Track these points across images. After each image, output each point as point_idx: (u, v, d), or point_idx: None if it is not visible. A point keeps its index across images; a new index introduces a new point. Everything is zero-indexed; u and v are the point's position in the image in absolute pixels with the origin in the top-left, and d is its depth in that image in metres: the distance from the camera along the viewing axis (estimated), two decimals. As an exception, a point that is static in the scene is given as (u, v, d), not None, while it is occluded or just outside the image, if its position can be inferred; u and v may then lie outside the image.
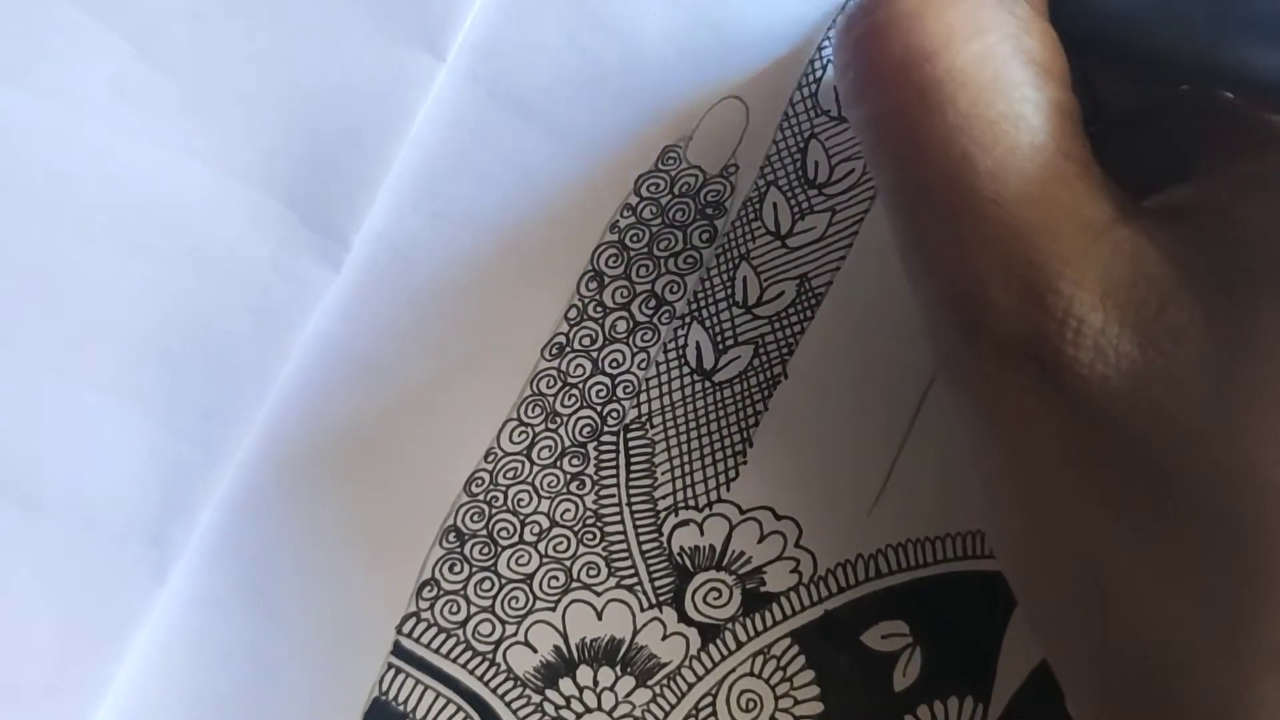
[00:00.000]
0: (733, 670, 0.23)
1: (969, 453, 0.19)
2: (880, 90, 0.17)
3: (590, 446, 0.23)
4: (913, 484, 0.23)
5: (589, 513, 0.23)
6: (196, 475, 0.22)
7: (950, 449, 0.23)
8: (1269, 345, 0.15)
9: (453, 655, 0.22)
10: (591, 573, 0.23)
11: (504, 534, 0.23)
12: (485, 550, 0.23)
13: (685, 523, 0.23)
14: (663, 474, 0.23)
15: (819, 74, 0.23)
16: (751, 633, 0.23)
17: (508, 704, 0.22)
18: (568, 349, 0.23)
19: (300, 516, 0.22)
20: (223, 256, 0.22)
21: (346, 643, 0.22)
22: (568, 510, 0.23)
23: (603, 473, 0.23)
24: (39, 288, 0.22)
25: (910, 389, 0.23)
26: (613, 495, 0.23)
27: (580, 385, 0.23)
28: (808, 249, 0.23)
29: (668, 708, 0.22)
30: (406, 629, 0.22)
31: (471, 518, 0.23)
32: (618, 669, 0.22)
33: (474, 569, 0.22)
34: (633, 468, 0.23)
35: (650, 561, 0.23)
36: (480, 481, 0.23)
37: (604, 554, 0.23)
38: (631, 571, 0.23)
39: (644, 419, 0.23)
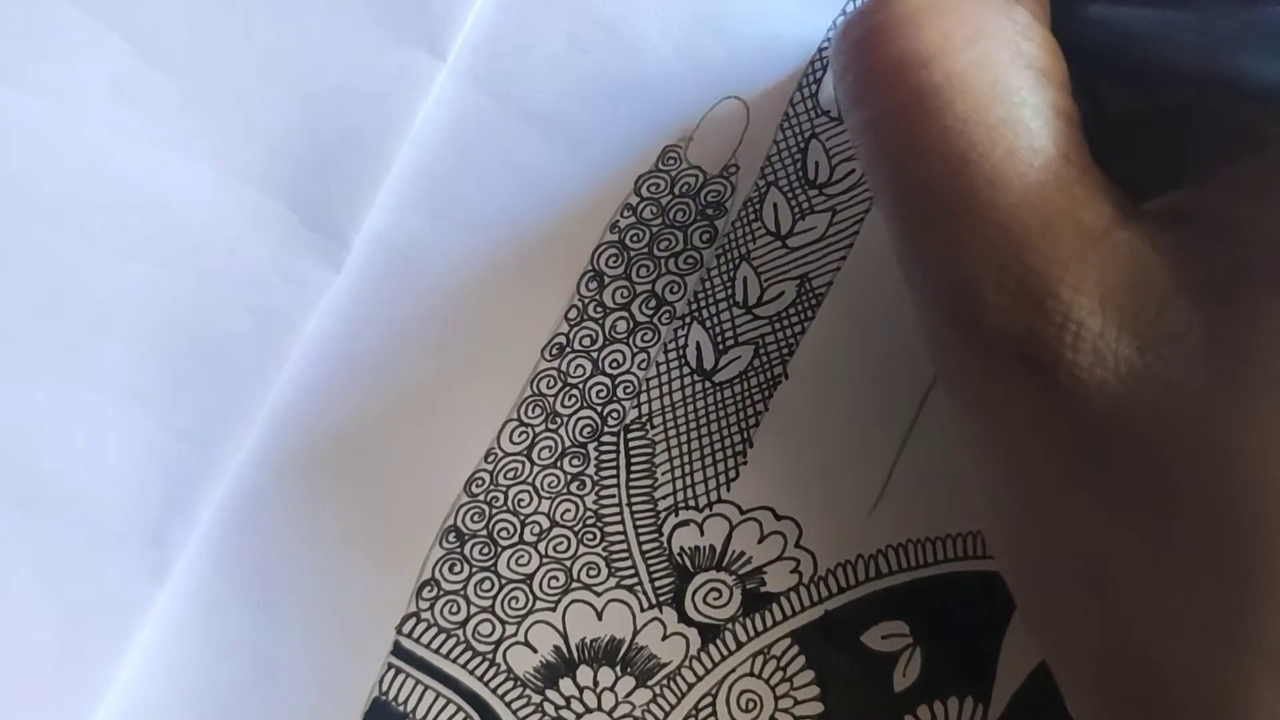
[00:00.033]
0: (733, 670, 0.23)
1: (967, 454, 0.19)
2: (878, 94, 0.17)
3: (590, 447, 0.23)
4: (913, 484, 0.23)
5: (589, 513, 0.23)
6: (196, 475, 0.22)
7: (950, 449, 0.23)
8: (1268, 349, 0.15)
9: (453, 655, 0.22)
10: (592, 573, 0.23)
11: (504, 534, 0.23)
12: (485, 550, 0.23)
13: (685, 523, 0.23)
14: (663, 474, 0.23)
15: (819, 74, 0.23)
16: (751, 633, 0.23)
17: (508, 704, 0.22)
18: (568, 349, 0.23)
19: (300, 516, 0.22)
20: (223, 256, 0.22)
21: (346, 643, 0.22)
22: (568, 510, 0.23)
23: (603, 473, 0.23)
24: (39, 288, 0.22)
25: (911, 389, 0.23)
26: (613, 495, 0.23)
27: (580, 385, 0.23)
28: (808, 249, 0.23)
29: (668, 708, 0.22)
30: (406, 629, 0.22)
31: (472, 518, 0.23)
32: (618, 669, 0.22)
33: (474, 569, 0.22)
34: (633, 468, 0.23)
35: (650, 562, 0.23)
36: (480, 482, 0.23)
37: (604, 554, 0.23)
38: (632, 572, 0.23)
39: (644, 419, 0.23)
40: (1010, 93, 0.17)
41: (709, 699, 0.22)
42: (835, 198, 0.23)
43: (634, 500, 0.23)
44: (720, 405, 0.23)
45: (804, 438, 0.23)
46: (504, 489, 0.23)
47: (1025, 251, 0.16)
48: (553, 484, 0.23)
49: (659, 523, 0.23)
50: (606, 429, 0.23)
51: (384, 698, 0.22)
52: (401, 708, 0.22)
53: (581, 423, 0.23)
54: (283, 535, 0.22)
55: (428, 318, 0.22)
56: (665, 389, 0.23)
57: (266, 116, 0.22)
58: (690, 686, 0.22)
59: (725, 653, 0.23)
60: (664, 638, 0.22)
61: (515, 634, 0.22)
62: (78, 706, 0.22)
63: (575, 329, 0.23)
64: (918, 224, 0.17)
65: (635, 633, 0.23)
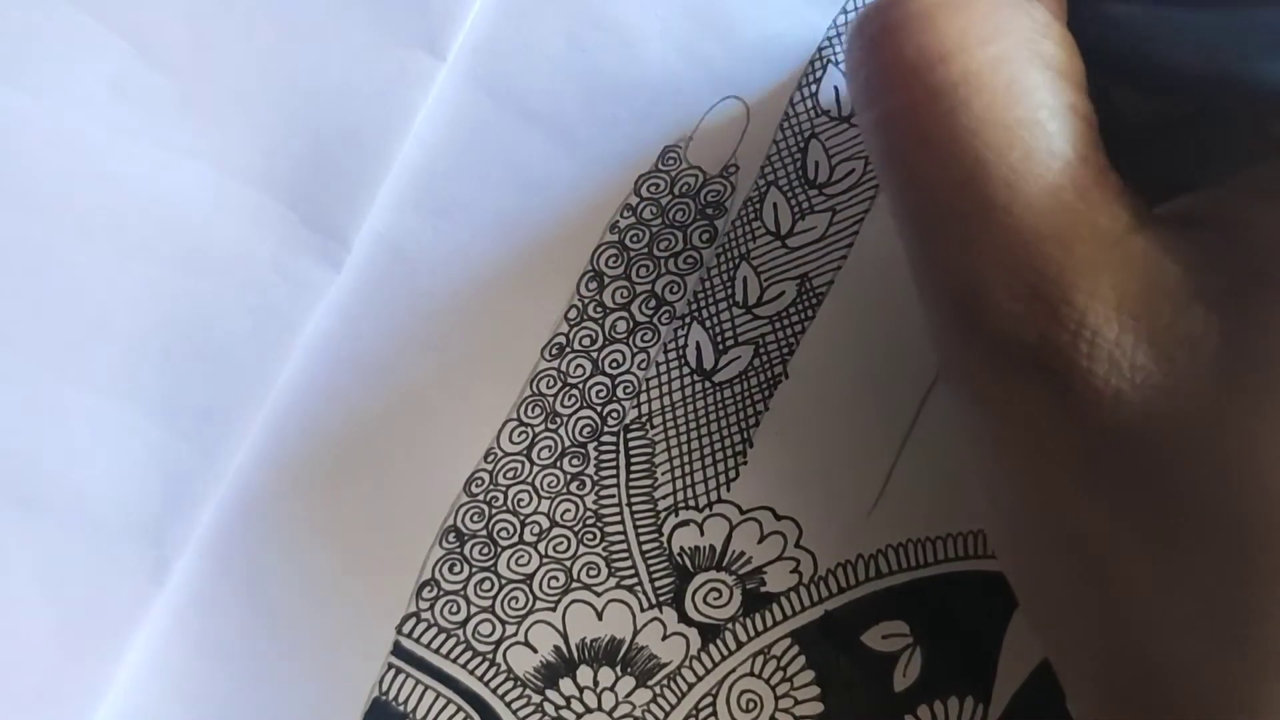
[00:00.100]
0: (733, 670, 0.22)
1: (970, 455, 0.19)
2: (892, 92, 0.17)
3: (590, 447, 0.23)
4: (913, 484, 0.23)
5: (589, 513, 0.23)
6: (196, 475, 0.22)
7: (951, 449, 0.23)
8: None
9: (453, 655, 0.22)
10: (591, 573, 0.23)
11: (504, 534, 0.23)
12: (485, 550, 0.23)
13: (685, 523, 0.23)
14: (663, 474, 0.23)
15: (819, 74, 0.23)
16: (752, 633, 0.23)
17: (508, 704, 0.22)
18: (568, 349, 0.23)
19: (300, 516, 0.22)
20: (223, 256, 0.22)
21: (346, 643, 0.22)
22: (568, 510, 0.23)
23: (603, 473, 0.23)
24: (39, 288, 0.22)
25: (911, 389, 0.23)
26: (613, 495, 0.23)
27: (580, 385, 0.23)
28: (808, 249, 0.23)
29: (668, 708, 0.22)
30: (406, 629, 0.22)
31: (471, 518, 0.23)
32: (618, 669, 0.22)
33: (474, 569, 0.22)
34: (633, 468, 0.23)
35: (650, 562, 0.23)
36: (480, 482, 0.23)
37: (604, 554, 0.23)
38: (631, 572, 0.23)
39: (644, 419, 0.23)
40: (1028, 93, 0.16)
41: (709, 699, 0.22)
42: (835, 197, 0.23)
43: (634, 500, 0.23)
44: (720, 405, 0.23)
45: (804, 438, 0.23)
46: (504, 489, 0.23)
47: (1039, 256, 0.16)
48: (553, 484, 0.23)
49: (659, 523, 0.23)
50: (606, 429, 0.23)
51: (384, 698, 0.22)
52: (401, 708, 0.22)
53: (581, 423, 0.23)
54: (283, 535, 0.22)
55: (428, 318, 0.22)
56: (665, 389, 0.23)
57: (266, 116, 0.22)
58: (690, 686, 0.22)
59: (725, 653, 0.23)
60: (664, 638, 0.22)
61: (515, 634, 0.22)
62: (78, 706, 0.22)
63: (575, 329, 0.23)
64: (929, 225, 0.17)
65: (635, 633, 0.22)
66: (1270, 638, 0.15)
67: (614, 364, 0.23)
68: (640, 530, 0.23)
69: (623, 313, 0.23)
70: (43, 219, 0.22)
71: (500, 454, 0.23)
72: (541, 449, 0.23)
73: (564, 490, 0.23)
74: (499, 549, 0.23)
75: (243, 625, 0.22)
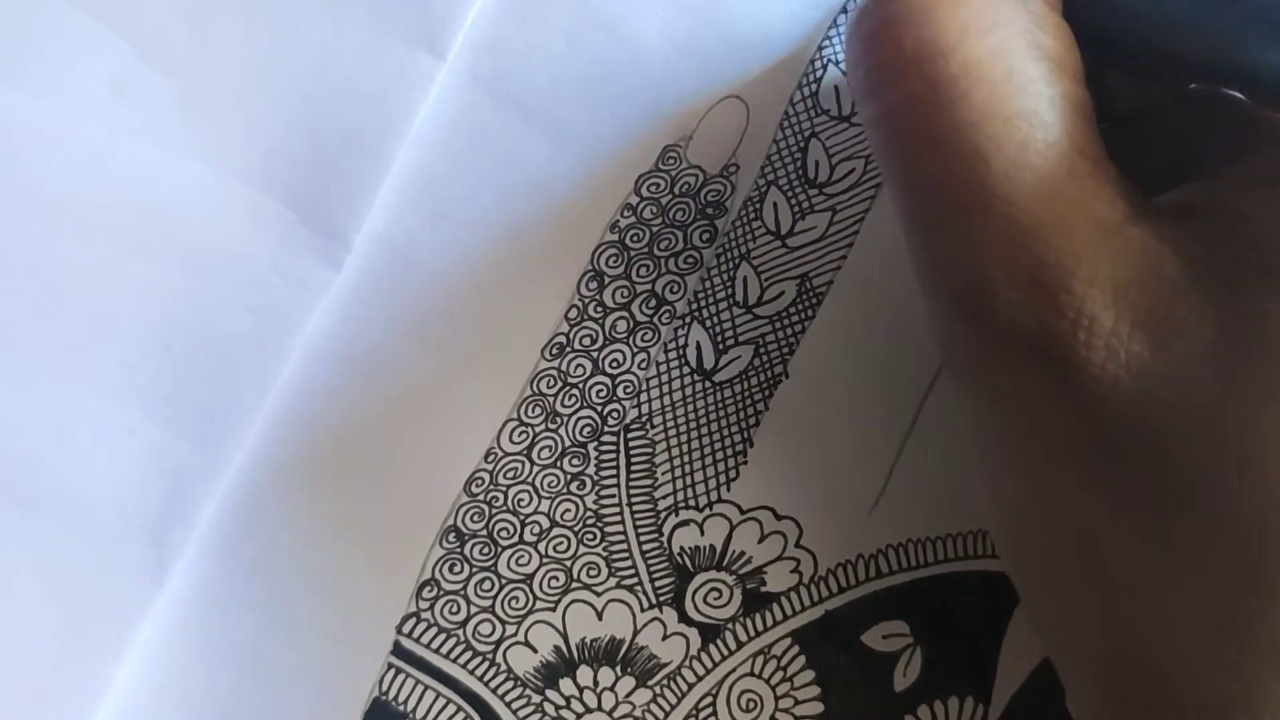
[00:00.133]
0: (733, 670, 0.22)
1: (972, 448, 0.19)
2: (892, 85, 0.17)
3: (590, 446, 0.23)
4: (913, 484, 0.23)
5: (589, 513, 0.23)
6: (196, 475, 0.22)
7: (951, 449, 0.23)
8: (1278, 345, 0.15)
9: (453, 655, 0.22)
10: (592, 573, 0.23)
11: (504, 534, 0.23)
12: (485, 550, 0.23)
13: (685, 523, 0.23)
14: (663, 474, 0.23)
15: (819, 74, 0.23)
16: (752, 633, 0.23)
17: (508, 704, 0.22)
18: (568, 349, 0.23)
19: (300, 516, 0.22)
20: (223, 256, 0.22)
21: (346, 643, 0.22)
22: (568, 510, 0.23)
23: (603, 473, 0.23)
24: (39, 288, 0.22)
25: (911, 389, 0.23)
26: (613, 495, 0.23)
27: (580, 385, 0.23)
28: (808, 249, 0.23)
29: (668, 708, 0.22)
30: (406, 629, 0.22)
31: (471, 518, 0.23)
32: (618, 669, 0.22)
33: (474, 569, 0.22)
34: (633, 468, 0.23)
35: (650, 561, 0.23)
36: (480, 481, 0.23)
37: (604, 554, 0.23)
38: (632, 571, 0.23)
39: (644, 419, 0.23)
40: (1026, 84, 0.17)
41: (709, 699, 0.22)
42: (835, 197, 0.23)
43: (634, 500, 0.23)
44: (720, 405, 0.23)
45: (804, 437, 0.23)
46: (504, 489, 0.23)
47: (1038, 245, 0.16)
48: (553, 484, 0.23)
49: (659, 522, 0.23)
50: (606, 429, 0.23)
51: (384, 698, 0.22)
52: (401, 708, 0.22)
53: (581, 422, 0.23)
54: (282, 535, 0.22)
55: (428, 318, 0.22)
56: (665, 389, 0.23)
57: (266, 116, 0.22)
58: (690, 686, 0.22)
59: (725, 653, 0.23)
60: (664, 638, 0.22)
61: (515, 634, 0.22)
62: (78, 706, 0.22)
63: (575, 329, 0.23)
64: (930, 216, 0.17)
65: (635, 633, 0.22)
66: (1269, 635, 0.15)
67: (614, 364, 0.23)
68: (640, 530, 0.23)
69: (623, 312, 0.23)
70: (43, 219, 0.22)
71: (500, 454, 0.23)
72: (542, 449, 0.23)
73: (564, 490, 0.23)
74: (499, 549, 0.23)
75: (243, 625, 0.22)
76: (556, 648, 0.22)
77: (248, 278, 0.22)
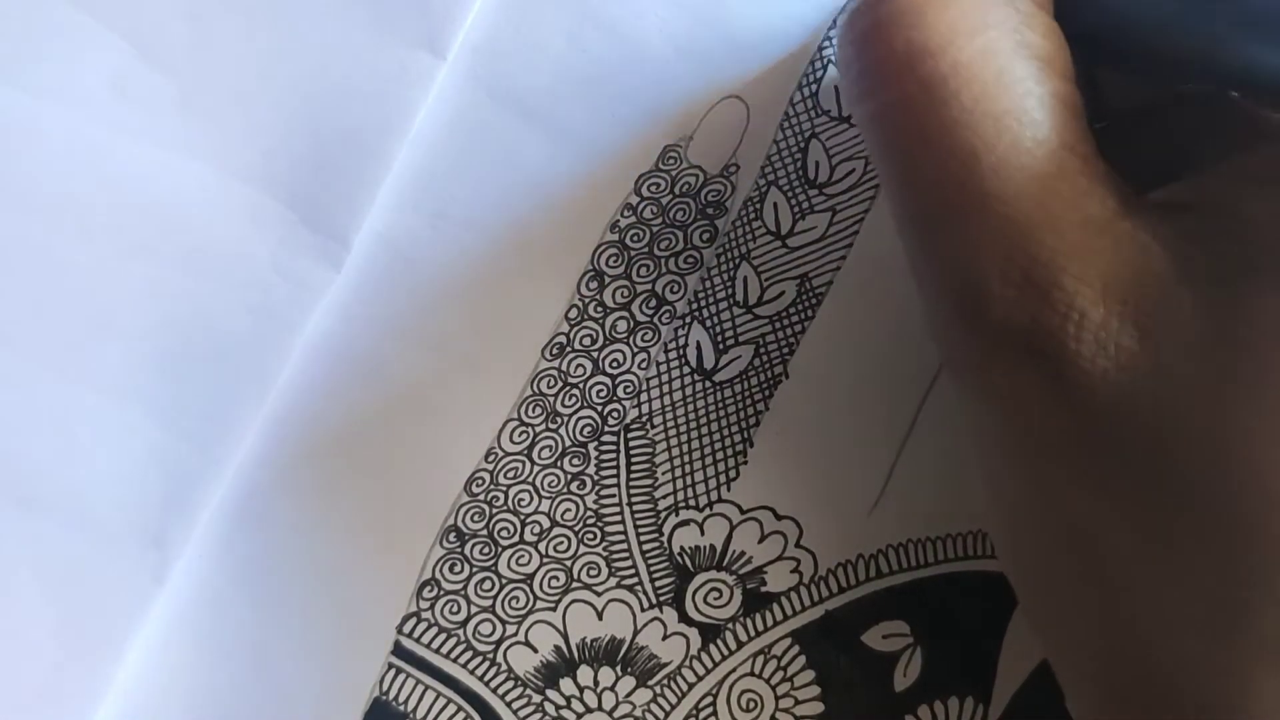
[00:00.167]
0: (733, 670, 0.22)
1: (972, 448, 0.19)
2: (884, 86, 0.17)
3: (591, 446, 0.23)
4: (913, 484, 0.23)
5: (589, 513, 0.23)
6: (196, 475, 0.22)
7: (951, 449, 0.23)
8: (1267, 341, 0.15)
9: (453, 655, 0.22)
10: (592, 573, 0.23)
11: (504, 534, 0.23)
12: (486, 550, 0.23)
13: (686, 523, 0.23)
14: (663, 474, 0.23)
15: (819, 74, 0.23)
16: (752, 633, 0.23)
17: (508, 704, 0.22)
18: (568, 349, 0.23)
19: (300, 516, 0.22)
20: (223, 256, 0.22)
21: (347, 643, 0.22)
22: (568, 510, 0.23)
23: (603, 473, 0.23)
24: (39, 288, 0.22)
25: (911, 389, 0.23)
26: (613, 495, 0.23)
27: (581, 385, 0.23)
28: (808, 249, 0.23)
29: (668, 708, 0.22)
30: (407, 629, 0.22)
31: (472, 518, 0.23)
32: (618, 669, 0.22)
33: (474, 569, 0.22)
34: (633, 468, 0.23)
35: (651, 561, 0.23)
36: (481, 481, 0.23)
37: (604, 554, 0.23)
38: (632, 571, 0.23)
39: (644, 419, 0.23)
40: (1015, 83, 0.17)
41: (709, 699, 0.22)
42: (835, 197, 0.23)
43: (634, 500, 0.23)
44: (720, 405, 0.23)
45: (804, 437, 0.23)
46: (504, 489, 0.23)
47: (1030, 242, 0.16)
48: (553, 484, 0.23)
49: (659, 522, 0.23)
50: (607, 429, 0.23)
51: (384, 698, 0.22)
52: (402, 708, 0.22)
53: (582, 422, 0.23)
54: (283, 535, 0.22)
55: (427, 317, 0.22)
56: (665, 389, 0.23)
57: (266, 116, 0.22)
58: (691, 686, 0.22)
59: (726, 653, 0.23)
60: (664, 637, 0.22)
61: (515, 634, 0.22)
62: (78, 706, 0.22)
63: (575, 328, 0.23)
64: (924, 216, 0.17)
65: (635, 632, 0.22)
66: (1266, 632, 0.15)
67: (614, 364, 0.23)
68: (640, 530, 0.23)
69: (623, 312, 0.23)
70: (43, 219, 0.22)
71: (501, 453, 0.23)
72: (542, 448, 0.23)
73: (564, 490, 0.23)
74: (499, 549, 0.23)
75: (243, 625, 0.22)
76: (557, 647, 0.22)
77: (248, 278, 0.22)
